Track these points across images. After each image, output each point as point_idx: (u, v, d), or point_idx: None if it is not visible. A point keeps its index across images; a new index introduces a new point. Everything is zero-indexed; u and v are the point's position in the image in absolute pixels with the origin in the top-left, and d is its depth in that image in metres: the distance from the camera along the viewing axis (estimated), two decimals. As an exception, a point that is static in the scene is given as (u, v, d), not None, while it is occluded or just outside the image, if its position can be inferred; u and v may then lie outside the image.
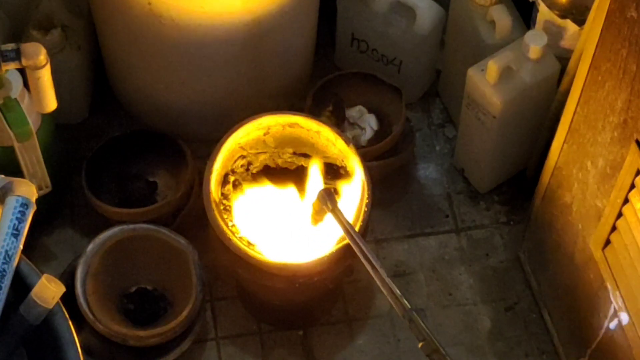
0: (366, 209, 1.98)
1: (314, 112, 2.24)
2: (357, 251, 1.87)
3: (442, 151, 2.44)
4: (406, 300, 2.25)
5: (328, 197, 1.92)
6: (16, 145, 1.99)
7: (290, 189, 2.03)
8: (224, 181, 2.06)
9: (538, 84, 2.15)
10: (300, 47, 2.32)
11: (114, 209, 2.16)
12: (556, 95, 2.12)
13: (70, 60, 2.27)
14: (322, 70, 2.43)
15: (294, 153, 2.11)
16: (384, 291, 1.82)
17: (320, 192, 1.94)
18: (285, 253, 1.99)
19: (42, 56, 1.88)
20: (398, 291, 1.81)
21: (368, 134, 2.30)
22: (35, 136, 2.00)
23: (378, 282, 1.84)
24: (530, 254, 2.24)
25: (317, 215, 1.96)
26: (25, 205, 1.63)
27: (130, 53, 2.24)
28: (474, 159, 2.34)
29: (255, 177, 2.10)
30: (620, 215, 1.76)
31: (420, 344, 1.74)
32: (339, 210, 1.91)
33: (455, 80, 2.34)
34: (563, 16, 2.11)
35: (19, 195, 1.63)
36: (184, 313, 2.04)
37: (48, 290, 1.60)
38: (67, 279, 2.05)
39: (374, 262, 1.85)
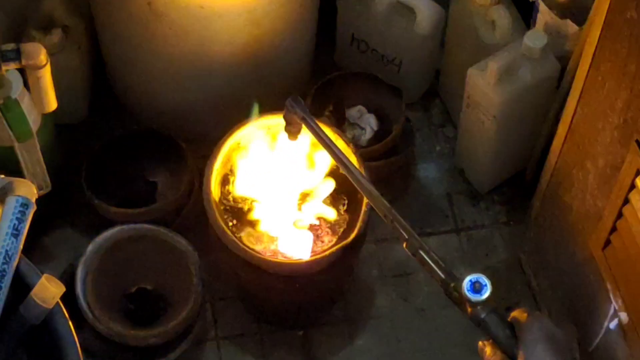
0: (366, 209, 1.98)
1: (314, 112, 2.24)
2: (333, 158, 1.80)
3: (442, 151, 2.44)
4: (405, 300, 2.26)
5: (296, 104, 1.83)
6: (16, 145, 1.99)
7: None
8: (224, 181, 2.06)
9: (538, 84, 2.15)
10: (300, 47, 2.32)
11: (114, 209, 2.16)
12: (556, 95, 2.12)
13: (70, 60, 2.27)
14: (322, 70, 2.43)
15: (294, 153, 2.11)
16: (363, 194, 1.76)
17: (287, 101, 1.84)
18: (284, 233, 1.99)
19: (42, 56, 1.88)
20: (376, 191, 1.74)
21: (368, 134, 2.30)
22: (35, 136, 2.00)
23: (356, 185, 1.77)
24: (530, 254, 2.24)
25: (291, 127, 1.88)
26: (25, 205, 1.63)
27: (130, 53, 2.24)
28: (474, 159, 2.34)
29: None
30: (620, 215, 1.76)
31: (404, 244, 1.69)
32: (310, 117, 1.83)
33: (455, 80, 2.34)
34: (563, 16, 2.11)
35: (19, 195, 1.63)
36: (184, 313, 2.04)
37: (48, 290, 1.60)
38: (67, 279, 2.05)
39: (349, 166, 1.77)
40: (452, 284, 1.58)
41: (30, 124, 1.98)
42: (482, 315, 1.53)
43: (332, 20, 2.44)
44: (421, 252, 1.65)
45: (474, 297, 1.54)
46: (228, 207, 2.05)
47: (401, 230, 1.69)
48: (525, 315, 1.53)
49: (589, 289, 1.95)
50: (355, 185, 1.79)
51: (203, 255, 2.12)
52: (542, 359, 1.47)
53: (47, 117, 2.06)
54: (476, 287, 1.55)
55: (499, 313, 1.54)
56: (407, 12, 2.32)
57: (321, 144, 1.83)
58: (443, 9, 2.33)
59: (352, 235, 1.96)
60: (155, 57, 2.20)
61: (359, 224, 1.97)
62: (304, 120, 1.83)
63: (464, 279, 1.56)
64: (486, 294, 1.55)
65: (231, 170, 2.08)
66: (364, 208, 1.98)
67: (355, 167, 1.80)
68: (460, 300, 1.56)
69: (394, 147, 2.27)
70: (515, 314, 1.55)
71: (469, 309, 1.54)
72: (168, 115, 2.32)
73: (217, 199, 2.01)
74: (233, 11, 2.09)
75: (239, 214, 2.05)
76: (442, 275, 1.61)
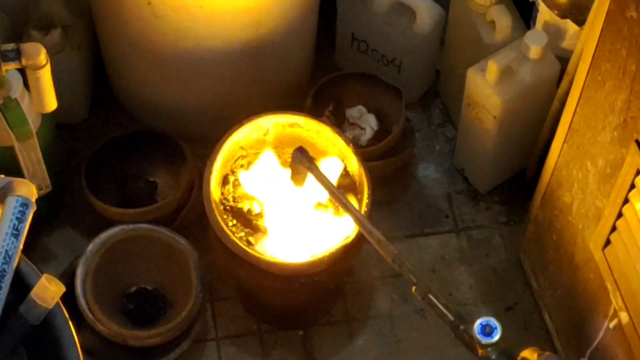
0: (366, 209, 1.98)
1: (314, 112, 2.24)
2: (340, 206, 1.86)
3: (442, 151, 2.44)
4: (405, 301, 2.26)
5: (303, 156, 1.90)
6: (16, 145, 1.99)
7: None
8: (224, 181, 2.06)
9: (538, 84, 2.15)
10: (300, 47, 2.32)
11: (114, 209, 2.16)
12: (556, 95, 2.12)
13: (70, 60, 2.27)
14: (322, 70, 2.44)
15: (294, 153, 2.11)
16: (371, 240, 1.82)
17: (294, 151, 1.92)
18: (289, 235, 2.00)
19: (42, 56, 1.88)
20: (383, 238, 1.81)
21: (368, 134, 2.30)
22: (35, 136, 2.00)
23: (364, 232, 1.84)
24: (530, 254, 2.24)
25: (297, 176, 1.94)
26: (25, 205, 1.63)
27: (130, 53, 2.24)
28: (474, 159, 2.34)
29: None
30: (620, 215, 1.76)
31: (413, 288, 1.74)
32: (316, 167, 1.90)
33: (455, 80, 2.34)
34: (563, 16, 2.11)
35: (19, 195, 1.63)
36: (184, 313, 2.04)
37: (48, 290, 1.60)
38: (67, 279, 2.05)
39: (357, 215, 1.85)
40: (462, 327, 1.63)
41: (30, 124, 1.98)
42: (493, 357, 1.58)
43: (332, 20, 2.45)
44: (430, 296, 1.74)
45: (485, 340, 1.59)
46: (228, 207, 2.05)
47: (410, 275, 1.76)
48: (535, 355, 1.57)
49: (589, 289, 1.95)
50: (363, 232, 1.86)
51: (203, 255, 2.12)
52: None
53: (47, 117, 2.06)
54: (487, 330, 1.61)
55: (510, 353, 1.60)
56: (407, 12, 2.32)
57: (327, 191, 1.89)
58: (443, 9, 2.33)
59: (352, 235, 1.96)
60: (155, 57, 2.20)
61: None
62: (310, 170, 1.90)
63: (474, 322, 1.62)
64: (497, 336, 1.61)
65: (232, 171, 2.08)
66: (364, 208, 1.98)
67: (362, 215, 1.86)
68: (470, 342, 1.61)
69: (394, 147, 2.27)
70: (525, 354, 1.60)
71: (480, 350, 1.59)
72: (168, 115, 2.32)
73: (217, 199, 2.01)
74: (233, 11, 2.09)
75: (239, 214, 2.05)
76: (452, 318, 1.70)
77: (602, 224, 1.82)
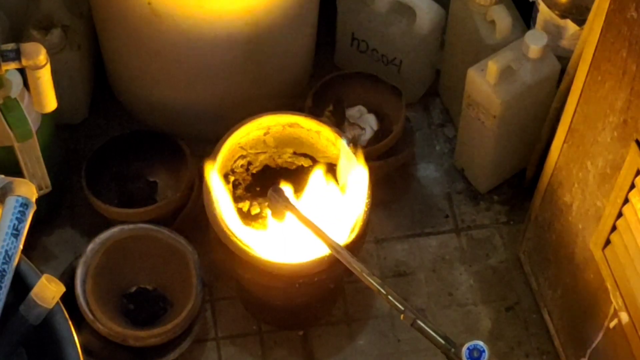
0: (366, 209, 1.98)
1: (314, 112, 2.24)
2: (321, 240, 1.87)
3: (442, 151, 2.44)
4: (405, 300, 2.26)
5: (278, 195, 1.92)
6: (16, 145, 1.99)
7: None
8: (224, 181, 2.06)
9: (538, 84, 2.15)
10: (300, 47, 2.32)
11: (114, 209, 2.17)
12: (556, 95, 2.12)
13: (70, 60, 2.27)
14: (322, 70, 2.44)
15: (294, 153, 2.11)
16: (356, 273, 1.84)
17: (269, 192, 1.93)
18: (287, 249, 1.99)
19: (42, 56, 1.88)
20: (366, 269, 1.83)
21: (368, 134, 2.30)
22: (35, 136, 2.00)
23: (347, 266, 1.86)
24: (530, 254, 2.24)
25: (277, 215, 1.95)
26: (25, 205, 1.63)
27: (130, 53, 2.24)
28: (474, 159, 2.34)
29: (255, 177, 2.10)
30: (620, 215, 1.76)
31: (401, 316, 1.78)
32: (292, 205, 1.91)
33: (455, 80, 2.34)
34: (563, 16, 2.11)
35: (19, 195, 1.63)
36: (184, 313, 2.04)
37: (48, 290, 1.60)
38: (67, 279, 2.05)
39: (337, 247, 1.86)
40: (453, 350, 1.69)
41: (30, 124, 1.98)
42: None
43: (332, 20, 2.45)
44: (419, 322, 1.78)
45: None
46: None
47: (397, 304, 1.80)
48: None
49: (589, 289, 1.95)
50: (347, 265, 1.87)
51: (203, 255, 2.12)
52: None
53: (47, 117, 2.06)
54: (475, 354, 1.66)
55: None
56: (407, 12, 2.32)
57: (307, 227, 1.89)
58: (443, 9, 2.33)
59: (352, 236, 1.96)
60: (155, 57, 2.20)
61: (359, 224, 1.97)
62: (287, 208, 1.92)
63: (463, 346, 1.68)
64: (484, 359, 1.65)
65: (232, 171, 2.08)
66: (364, 208, 1.98)
67: (344, 248, 1.88)
68: None
69: (394, 147, 2.27)
70: None
71: None
72: (168, 115, 2.32)
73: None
74: (233, 11, 2.09)
75: (239, 213, 2.05)
76: (442, 342, 1.75)
77: (602, 224, 1.82)
